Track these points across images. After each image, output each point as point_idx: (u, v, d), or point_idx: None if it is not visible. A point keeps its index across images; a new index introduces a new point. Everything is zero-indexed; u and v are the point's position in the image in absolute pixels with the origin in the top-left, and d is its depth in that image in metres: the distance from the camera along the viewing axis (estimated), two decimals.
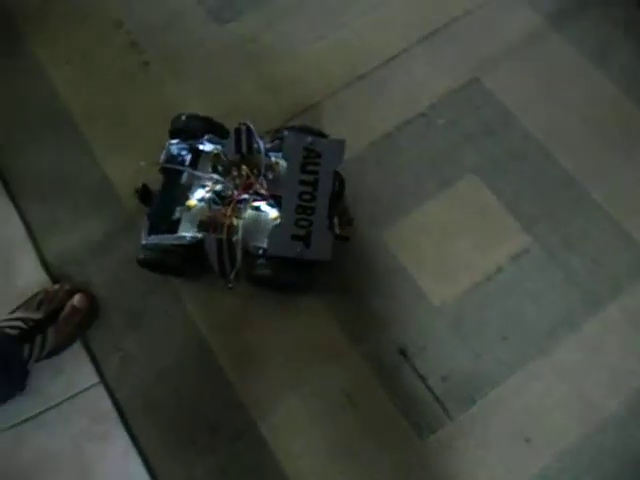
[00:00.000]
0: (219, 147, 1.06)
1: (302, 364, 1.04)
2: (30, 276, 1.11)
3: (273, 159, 1.03)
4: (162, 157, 1.07)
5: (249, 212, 0.99)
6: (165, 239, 1.00)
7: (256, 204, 0.99)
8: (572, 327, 1.03)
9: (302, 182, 0.99)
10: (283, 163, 1.03)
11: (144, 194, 1.05)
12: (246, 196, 0.99)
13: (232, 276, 0.97)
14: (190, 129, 1.07)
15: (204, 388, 1.04)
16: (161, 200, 1.05)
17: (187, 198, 1.03)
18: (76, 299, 1.05)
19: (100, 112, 1.26)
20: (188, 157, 1.08)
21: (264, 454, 0.99)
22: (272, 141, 1.06)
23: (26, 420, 1.01)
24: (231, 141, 1.03)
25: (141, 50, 1.33)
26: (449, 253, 1.09)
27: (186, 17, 1.37)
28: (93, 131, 1.24)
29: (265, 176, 0.99)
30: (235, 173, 1.01)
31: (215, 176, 1.01)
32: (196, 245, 0.99)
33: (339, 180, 1.03)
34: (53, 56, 1.32)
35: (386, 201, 1.15)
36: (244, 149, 1.02)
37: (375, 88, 1.25)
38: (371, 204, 1.14)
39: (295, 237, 0.95)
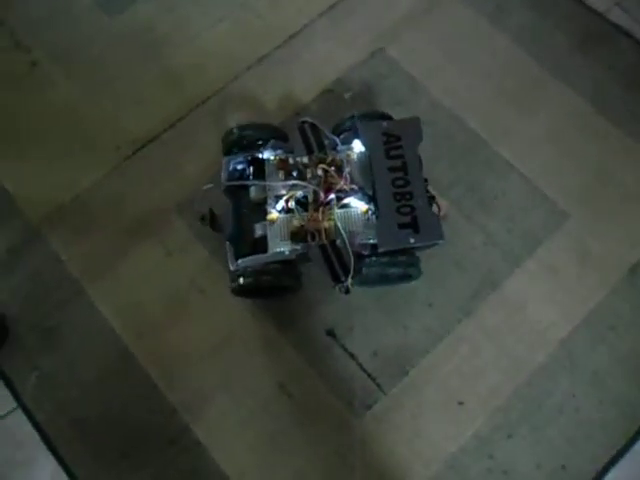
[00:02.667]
0: (280, 152, 0.99)
1: (230, 359, 1.01)
2: None
3: (345, 152, 0.98)
4: (223, 176, 0.98)
5: (338, 211, 0.93)
6: (260, 259, 0.92)
7: (345, 201, 0.94)
8: (494, 286, 1.04)
9: (391, 169, 0.94)
10: (353, 154, 0.98)
11: (212, 219, 0.97)
12: (332, 196, 0.93)
13: (349, 281, 0.91)
14: (245, 140, 1.00)
15: (131, 398, 0.99)
16: (235, 221, 0.97)
17: (264, 212, 0.94)
18: None
19: None
20: (249, 170, 1.00)
21: (201, 457, 0.96)
22: (338, 135, 1.00)
23: None
24: (297, 142, 0.98)
25: (27, 50, 1.25)
26: None
27: (73, 11, 1.29)
28: None
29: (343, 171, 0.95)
30: (310, 175, 0.95)
31: (295, 182, 0.94)
32: (295, 258, 0.93)
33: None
34: None
35: None
36: (315, 148, 0.98)
37: (278, 68, 1.22)
38: None
39: (402, 226, 0.90)
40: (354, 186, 0.95)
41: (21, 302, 1.05)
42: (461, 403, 0.97)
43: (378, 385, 0.98)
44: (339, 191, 0.94)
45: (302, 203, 0.95)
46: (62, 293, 1.06)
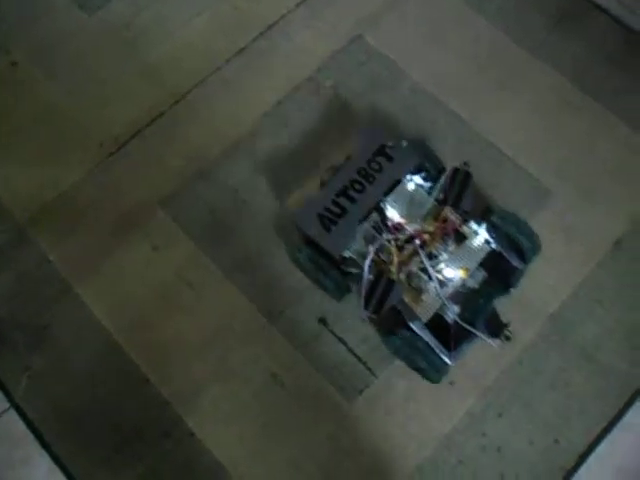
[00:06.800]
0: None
1: (221, 351, 1.01)
2: None
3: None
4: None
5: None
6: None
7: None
8: None
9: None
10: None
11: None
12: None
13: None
14: None
15: (123, 392, 1.00)
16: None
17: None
18: None
19: None
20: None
21: (195, 448, 0.96)
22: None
23: None
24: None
25: (7, 50, 1.25)
26: None
27: (51, 9, 1.28)
28: None
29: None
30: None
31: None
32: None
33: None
34: None
35: (285, 171, 1.13)
36: None
37: (258, 59, 1.22)
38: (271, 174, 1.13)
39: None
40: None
41: (10, 302, 1.05)
42: (452, 383, 0.98)
43: (369, 369, 0.99)
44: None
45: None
46: (51, 292, 1.06)
